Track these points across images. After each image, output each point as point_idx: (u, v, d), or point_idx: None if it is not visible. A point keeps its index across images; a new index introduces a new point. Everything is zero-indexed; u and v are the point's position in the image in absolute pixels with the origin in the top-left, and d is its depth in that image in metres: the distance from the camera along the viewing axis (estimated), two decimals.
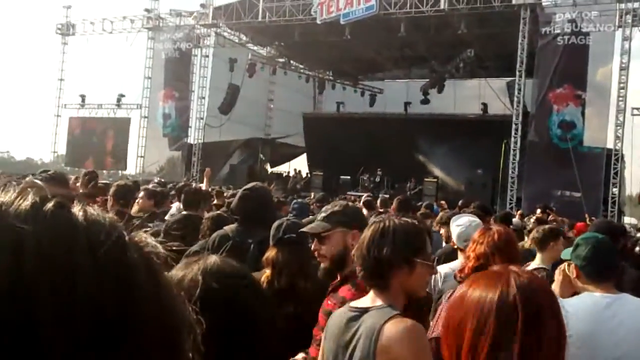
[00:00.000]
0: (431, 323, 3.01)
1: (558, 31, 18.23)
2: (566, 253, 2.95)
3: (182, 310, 0.60)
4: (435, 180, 21.07)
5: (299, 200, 8.02)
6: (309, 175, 25.81)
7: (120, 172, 26.94)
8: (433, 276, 3.86)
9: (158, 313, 0.56)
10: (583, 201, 16.71)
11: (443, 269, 3.92)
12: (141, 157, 25.97)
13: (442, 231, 5.36)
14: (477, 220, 4.05)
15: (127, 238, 0.57)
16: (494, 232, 2.82)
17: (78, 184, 6.48)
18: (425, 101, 24.37)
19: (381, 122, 25.45)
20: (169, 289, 0.60)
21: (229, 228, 3.47)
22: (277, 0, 21.90)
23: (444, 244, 5.28)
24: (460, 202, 10.41)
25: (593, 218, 14.20)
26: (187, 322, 0.60)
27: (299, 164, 28.62)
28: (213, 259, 1.27)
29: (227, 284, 1.21)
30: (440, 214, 6.77)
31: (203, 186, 8.37)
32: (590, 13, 17.99)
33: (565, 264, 2.90)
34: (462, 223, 3.91)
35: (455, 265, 3.85)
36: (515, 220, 9.37)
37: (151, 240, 0.61)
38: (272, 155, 28.94)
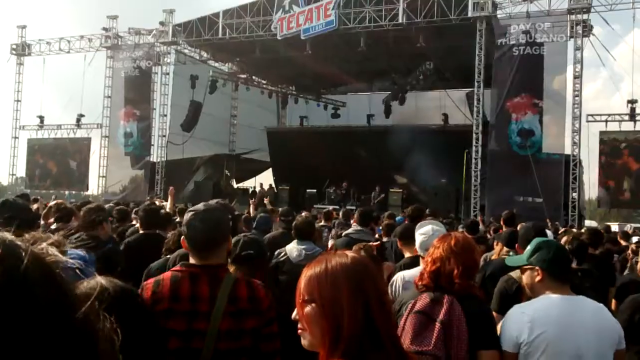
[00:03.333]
0: None
1: (513, 42, 18.73)
2: (514, 260, 2.98)
3: (88, 315, 0.62)
4: (401, 190, 21.26)
5: (262, 214, 7.95)
6: (274, 189, 25.76)
7: (82, 193, 26.40)
8: (394, 282, 3.91)
9: (57, 318, 0.58)
10: (544, 206, 17.09)
11: (403, 274, 3.93)
12: (103, 177, 25.52)
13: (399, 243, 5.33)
14: (441, 228, 4.06)
15: (23, 251, 0.58)
16: (451, 238, 2.84)
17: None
18: (388, 113, 24.68)
19: (345, 134, 25.64)
20: (70, 294, 0.61)
21: None
22: (237, 16, 21.93)
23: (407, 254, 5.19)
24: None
25: (557, 223, 14.59)
26: (92, 325, 0.62)
27: (265, 179, 28.55)
28: (95, 279, 1.37)
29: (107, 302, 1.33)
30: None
31: (167, 205, 8.26)
32: (544, 24, 18.55)
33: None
34: (425, 232, 3.91)
35: (415, 272, 3.85)
36: (480, 228, 9.57)
37: (52, 250, 0.62)
38: (237, 171, 28.75)
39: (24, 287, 0.56)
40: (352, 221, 8.07)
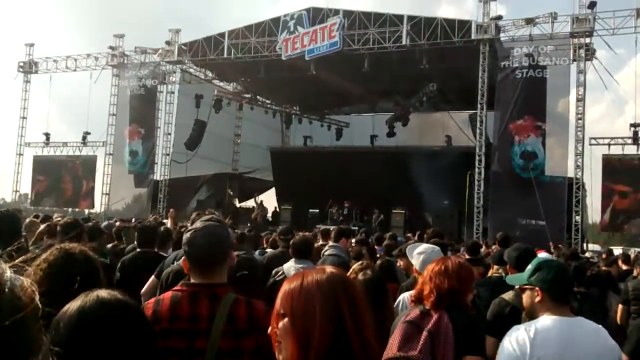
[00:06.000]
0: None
1: (516, 65, 18.83)
2: (514, 279, 2.97)
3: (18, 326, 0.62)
4: (403, 212, 21.20)
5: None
6: (275, 208, 25.79)
7: (85, 210, 26.45)
8: (400, 302, 3.96)
9: None
10: (547, 229, 17.00)
11: (409, 294, 3.97)
12: (106, 194, 25.58)
13: (401, 263, 5.37)
14: (436, 247, 4.12)
15: None
16: (444, 261, 2.95)
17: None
18: (391, 134, 24.72)
19: (348, 155, 25.67)
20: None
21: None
22: (242, 37, 22.14)
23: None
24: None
25: (560, 245, 14.50)
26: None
27: (268, 198, 28.58)
28: (95, 292, 1.39)
29: (104, 315, 1.34)
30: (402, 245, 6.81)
31: (168, 224, 8.26)
32: (547, 47, 18.66)
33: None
34: (423, 250, 3.98)
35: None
36: (482, 250, 9.53)
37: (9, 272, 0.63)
38: (241, 189, 28.81)
39: None
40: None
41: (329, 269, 1.53)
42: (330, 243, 6.34)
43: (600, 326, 2.72)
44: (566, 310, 2.68)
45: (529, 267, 2.85)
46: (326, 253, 6.04)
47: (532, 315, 2.76)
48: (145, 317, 1.58)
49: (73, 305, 1.35)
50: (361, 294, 1.50)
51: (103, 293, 1.40)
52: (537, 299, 2.70)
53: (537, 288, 2.71)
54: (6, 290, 0.61)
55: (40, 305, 0.67)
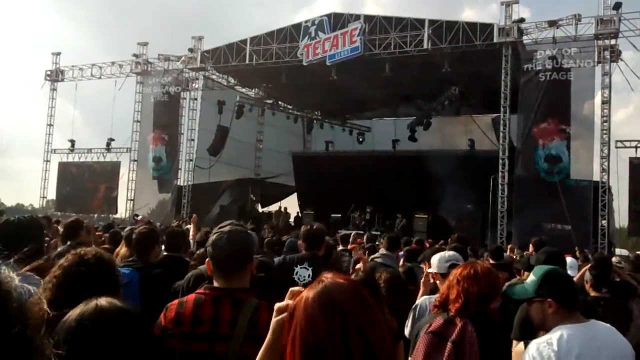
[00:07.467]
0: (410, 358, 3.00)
1: (540, 68, 18.60)
2: (520, 292, 2.84)
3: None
4: (426, 216, 21.06)
5: (292, 238, 8.09)
6: (298, 213, 25.82)
7: (110, 216, 26.81)
8: (418, 306, 3.90)
9: None
10: (573, 234, 16.73)
11: (431, 298, 3.89)
12: (131, 200, 25.90)
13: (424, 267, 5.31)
14: (458, 255, 4.10)
15: None
16: (470, 265, 2.88)
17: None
18: (413, 138, 24.60)
19: (370, 159, 25.59)
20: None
21: (204, 267, 3.44)
22: (264, 43, 22.28)
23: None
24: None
25: (585, 250, 14.25)
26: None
27: (290, 203, 28.64)
28: (94, 300, 1.41)
29: (102, 323, 1.36)
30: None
31: (190, 232, 8.33)
32: (570, 50, 18.40)
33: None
34: (443, 256, 3.98)
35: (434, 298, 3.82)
36: (506, 255, 9.41)
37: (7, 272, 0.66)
38: (263, 195, 28.95)
39: None
40: (379, 245, 8.10)
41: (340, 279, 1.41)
42: (383, 251, 6.20)
43: (610, 326, 2.69)
44: (578, 316, 2.64)
45: (533, 278, 2.75)
46: (378, 260, 5.89)
47: (543, 328, 2.68)
48: (145, 324, 1.59)
49: (72, 314, 1.38)
50: (372, 307, 1.37)
51: (102, 301, 1.42)
52: (550, 310, 2.63)
53: (549, 300, 2.64)
54: (14, 301, 0.63)
55: (47, 313, 0.69)
